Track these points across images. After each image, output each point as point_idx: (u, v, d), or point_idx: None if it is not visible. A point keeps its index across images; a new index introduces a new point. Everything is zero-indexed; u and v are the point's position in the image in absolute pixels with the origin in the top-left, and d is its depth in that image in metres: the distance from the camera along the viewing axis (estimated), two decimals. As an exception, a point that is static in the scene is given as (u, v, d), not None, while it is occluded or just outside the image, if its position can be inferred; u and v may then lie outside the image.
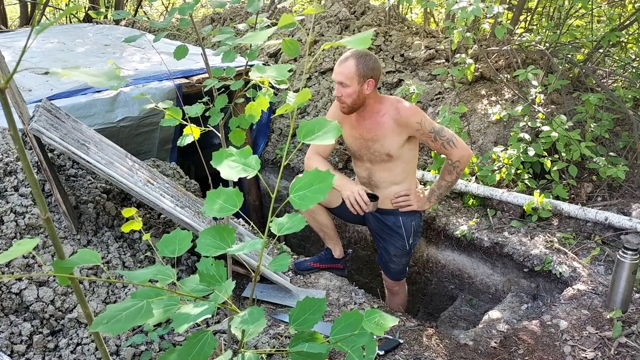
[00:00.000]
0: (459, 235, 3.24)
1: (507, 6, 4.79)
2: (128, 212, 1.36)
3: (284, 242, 3.79)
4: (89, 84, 0.80)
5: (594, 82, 4.12)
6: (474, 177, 3.56)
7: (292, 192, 0.82)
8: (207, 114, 1.73)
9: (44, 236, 2.41)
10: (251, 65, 1.96)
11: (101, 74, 0.62)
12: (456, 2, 3.23)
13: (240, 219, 3.28)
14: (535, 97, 3.65)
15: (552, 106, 3.89)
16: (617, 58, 4.76)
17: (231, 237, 0.83)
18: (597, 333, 2.38)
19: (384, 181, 2.66)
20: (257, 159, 0.87)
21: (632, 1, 4.62)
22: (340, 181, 2.53)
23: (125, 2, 9.16)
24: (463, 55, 3.75)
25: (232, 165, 0.84)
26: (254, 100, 1.66)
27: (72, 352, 2.10)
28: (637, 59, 4.68)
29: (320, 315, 0.88)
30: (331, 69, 4.66)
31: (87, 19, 8.20)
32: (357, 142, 2.61)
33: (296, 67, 4.81)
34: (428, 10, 5.78)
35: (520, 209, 3.25)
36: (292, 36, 5.09)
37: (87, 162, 2.33)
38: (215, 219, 2.75)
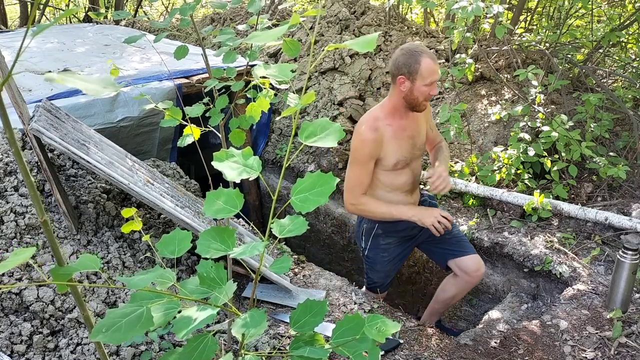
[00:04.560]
0: (459, 236, 3.24)
1: (507, 6, 4.78)
2: (128, 212, 1.36)
3: (284, 242, 3.79)
4: (82, 92, 0.79)
5: (594, 82, 4.11)
6: (474, 177, 3.56)
7: (293, 195, 0.81)
8: (207, 114, 1.73)
9: (44, 236, 2.41)
10: (252, 66, 1.96)
11: (96, 81, 0.62)
12: (456, 2, 3.23)
13: (241, 219, 3.28)
14: (535, 97, 3.65)
15: (552, 106, 3.89)
16: (617, 58, 4.75)
17: (231, 239, 0.83)
18: (597, 333, 2.38)
19: (419, 174, 2.64)
20: (259, 161, 0.86)
21: (632, 1, 4.62)
22: (414, 211, 2.45)
23: (125, 2, 9.15)
24: (463, 55, 3.75)
25: (234, 167, 0.83)
26: (254, 101, 1.66)
27: (72, 352, 2.10)
28: (637, 59, 4.68)
29: (321, 318, 0.87)
30: (331, 69, 4.66)
31: (87, 19, 8.20)
32: (408, 143, 2.47)
33: (296, 67, 4.81)
34: (428, 10, 5.78)
35: (520, 209, 3.25)
36: (292, 36, 5.09)
37: (87, 162, 2.33)
38: (215, 219, 2.75)
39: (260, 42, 0.79)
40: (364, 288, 2.90)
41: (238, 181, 0.84)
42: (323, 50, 5.23)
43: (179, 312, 0.80)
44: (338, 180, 0.82)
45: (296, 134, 0.85)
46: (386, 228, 2.60)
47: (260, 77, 1.29)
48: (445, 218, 2.39)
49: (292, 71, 0.95)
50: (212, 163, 0.87)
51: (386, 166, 2.45)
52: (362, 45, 0.71)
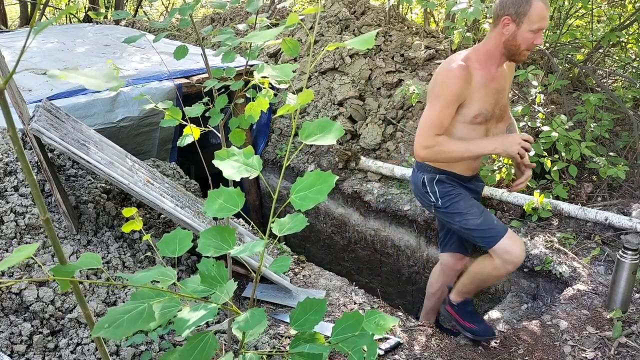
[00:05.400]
0: (459, 235, 3.24)
1: (507, 6, 4.78)
2: (128, 211, 1.36)
3: (284, 242, 3.79)
4: (83, 92, 0.79)
5: (594, 82, 4.12)
6: (474, 177, 3.56)
7: (293, 193, 0.82)
8: (207, 114, 1.74)
9: (44, 236, 2.41)
10: (251, 66, 1.97)
11: (98, 75, 0.62)
12: (456, 3, 3.23)
13: (241, 219, 3.28)
14: (535, 97, 3.65)
15: (552, 106, 3.89)
16: (617, 58, 4.75)
17: (232, 238, 0.83)
18: (597, 333, 2.38)
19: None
20: (259, 160, 0.87)
21: (632, 1, 4.62)
22: (495, 143, 2.17)
23: (125, 2, 9.16)
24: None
25: (235, 166, 0.84)
26: (253, 101, 1.66)
27: (72, 352, 2.10)
28: (637, 59, 4.68)
29: (321, 316, 0.88)
30: (331, 69, 4.66)
31: (87, 19, 8.20)
32: (493, 97, 2.24)
33: (296, 67, 4.81)
34: (428, 10, 5.78)
35: (520, 209, 3.25)
36: (292, 36, 5.09)
37: (87, 162, 2.33)
38: (215, 219, 2.75)
39: (257, 41, 0.79)
40: (496, 249, 2.25)
41: (238, 179, 0.84)
42: (323, 50, 5.23)
43: (180, 310, 0.80)
44: (337, 178, 0.83)
45: (296, 134, 0.85)
46: (446, 177, 2.38)
47: (262, 77, 1.29)
48: (527, 141, 2.14)
49: (293, 71, 0.95)
50: (213, 161, 0.87)
51: (465, 116, 2.21)
52: (361, 43, 0.72)
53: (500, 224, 2.33)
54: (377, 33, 4.78)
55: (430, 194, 2.39)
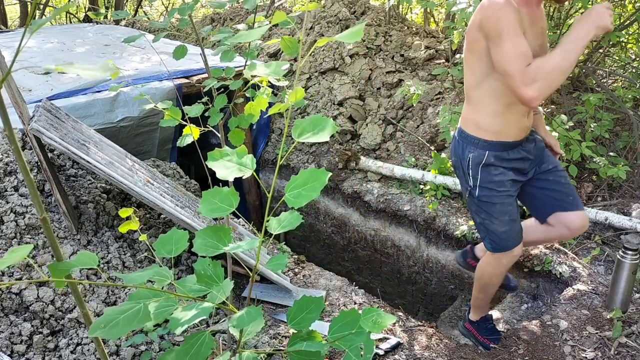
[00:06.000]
0: (459, 235, 3.24)
1: (507, 6, 4.78)
2: (125, 212, 1.36)
3: (284, 242, 3.79)
4: (83, 77, 0.80)
5: (594, 82, 4.11)
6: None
7: (287, 191, 0.82)
8: (206, 114, 1.74)
9: (43, 236, 2.41)
10: (251, 65, 1.97)
11: (94, 67, 0.62)
12: (456, 3, 3.23)
13: (240, 219, 3.28)
14: (535, 97, 3.65)
15: (552, 106, 3.89)
16: (617, 58, 4.75)
17: (228, 237, 0.83)
18: (597, 333, 2.38)
19: None
20: (253, 159, 0.87)
21: (632, 1, 4.61)
22: (587, 25, 1.81)
23: (125, 2, 9.16)
24: (463, 55, 3.74)
25: (228, 165, 0.84)
26: (253, 100, 1.66)
27: (72, 352, 2.10)
28: (637, 59, 4.68)
29: (318, 313, 0.88)
30: (331, 69, 4.66)
31: (87, 19, 8.21)
32: (539, 39, 2.01)
33: (296, 67, 4.81)
34: (428, 10, 5.78)
35: (521, 209, 3.25)
36: (293, 36, 5.09)
37: (87, 162, 2.33)
38: (215, 218, 2.75)
39: (244, 40, 0.79)
40: (494, 252, 2.21)
41: (231, 180, 0.84)
42: (322, 50, 5.18)
43: (176, 309, 0.81)
44: (330, 174, 0.83)
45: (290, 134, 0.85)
46: (498, 155, 2.10)
47: (253, 76, 1.29)
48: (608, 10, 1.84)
49: (292, 70, 0.96)
50: (207, 162, 0.87)
51: None
52: (350, 37, 0.72)
53: (519, 235, 2.21)
54: (376, 32, 4.78)
55: (470, 177, 2.15)
